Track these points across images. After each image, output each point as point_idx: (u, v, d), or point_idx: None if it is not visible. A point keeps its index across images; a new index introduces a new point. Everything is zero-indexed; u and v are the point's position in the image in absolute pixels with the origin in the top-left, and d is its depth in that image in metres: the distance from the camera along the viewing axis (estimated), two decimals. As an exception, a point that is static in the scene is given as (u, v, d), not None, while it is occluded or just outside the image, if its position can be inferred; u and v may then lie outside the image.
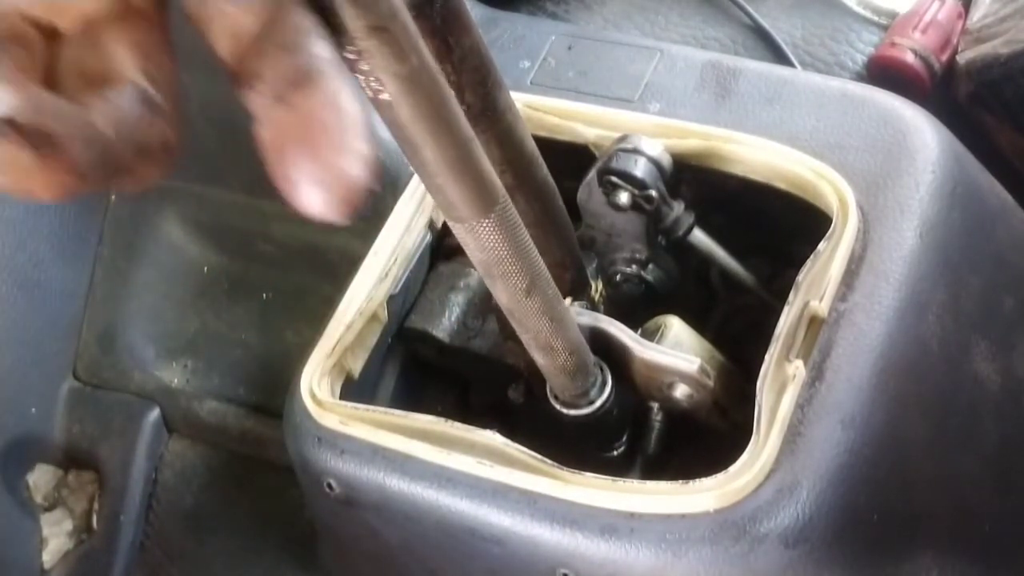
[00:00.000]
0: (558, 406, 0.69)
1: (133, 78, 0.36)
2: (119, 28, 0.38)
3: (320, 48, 0.35)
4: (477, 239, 0.50)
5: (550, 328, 0.60)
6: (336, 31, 0.37)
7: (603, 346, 0.70)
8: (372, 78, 0.38)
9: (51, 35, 0.37)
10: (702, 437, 0.74)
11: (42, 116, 0.32)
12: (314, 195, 0.34)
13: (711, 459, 0.65)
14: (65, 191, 0.34)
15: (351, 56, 0.37)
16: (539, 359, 0.63)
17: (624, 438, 0.74)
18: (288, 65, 0.35)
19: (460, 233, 0.50)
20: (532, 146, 0.62)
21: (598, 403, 0.68)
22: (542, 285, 0.56)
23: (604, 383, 0.69)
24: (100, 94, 0.35)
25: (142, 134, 0.35)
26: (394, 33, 0.38)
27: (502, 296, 0.57)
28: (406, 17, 0.39)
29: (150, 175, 0.36)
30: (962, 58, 0.97)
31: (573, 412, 0.69)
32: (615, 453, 0.75)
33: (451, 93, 0.42)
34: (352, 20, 0.37)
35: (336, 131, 0.34)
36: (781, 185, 0.75)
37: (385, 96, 0.39)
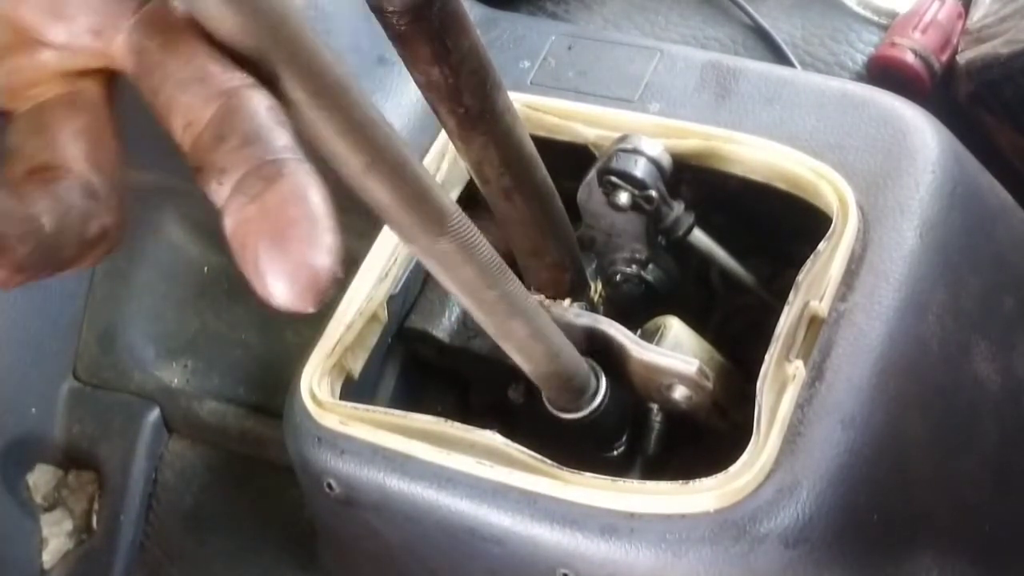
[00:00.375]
0: (553, 410, 0.69)
1: (79, 170, 0.36)
2: (67, 112, 0.37)
3: (282, 137, 0.35)
4: (437, 263, 0.47)
5: (532, 341, 0.58)
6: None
7: (602, 347, 0.70)
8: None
9: None
10: (702, 437, 0.74)
11: None
12: (281, 287, 0.34)
13: (711, 459, 0.65)
14: (1, 285, 0.34)
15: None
16: (527, 369, 0.62)
17: (624, 438, 0.74)
18: (250, 157, 0.34)
19: (420, 258, 0.47)
20: (531, 147, 0.62)
21: (591, 407, 0.68)
22: (516, 301, 0.53)
23: (598, 386, 0.69)
24: (45, 188, 0.35)
25: (84, 227, 0.35)
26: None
27: (476, 314, 0.54)
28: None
29: (88, 263, 0.36)
30: (962, 58, 0.97)
31: (567, 416, 0.69)
32: (615, 453, 0.75)
33: (369, 102, 0.39)
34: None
35: (303, 224, 0.33)
36: (781, 185, 0.75)
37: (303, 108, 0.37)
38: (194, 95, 0.35)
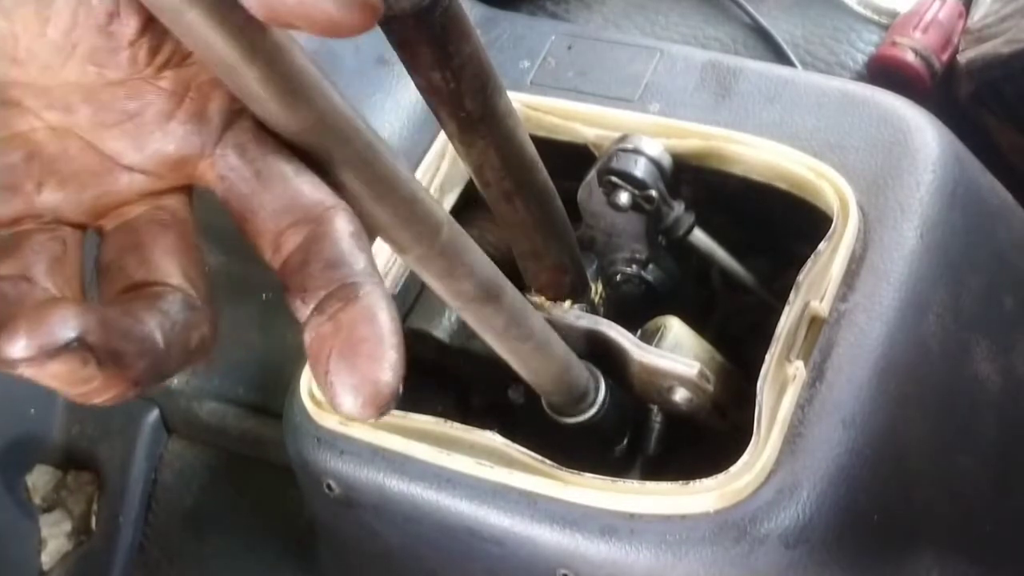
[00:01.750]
0: (553, 415, 0.69)
1: (177, 284, 0.38)
2: (157, 230, 0.39)
3: (361, 261, 0.38)
4: (431, 272, 0.47)
5: (529, 346, 0.58)
6: None
7: (602, 349, 0.70)
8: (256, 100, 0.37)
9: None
10: (702, 438, 0.74)
11: (110, 335, 0.34)
12: (348, 398, 0.36)
13: (711, 460, 0.65)
14: (118, 399, 0.35)
15: (230, 84, 0.36)
16: (525, 377, 0.62)
17: (625, 439, 0.74)
18: (331, 280, 0.37)
19: (415, 269, 0.47)
20: (532, 150, 0.62)
21: (593, 410, 0.68)
22: (513, 304, 0.53)
23: (597, 390, 0.68)
24: (152, 304, 0.37)
25: (187, 339, 0.37)
26: None
27: (472, 323, 0.53)
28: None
29: (188, 369, 0.39)
30: (963, 57, 0.97)
31: (568, 420, 0.69)
32: (615, 453, 0.74)
33: (366, 125, 0.40)
34: None
35: (372, 343, 0.36)
36: (781, 185, 0.75)
37: (278, 124, 0.38)
38: (282, 223, 0.38)
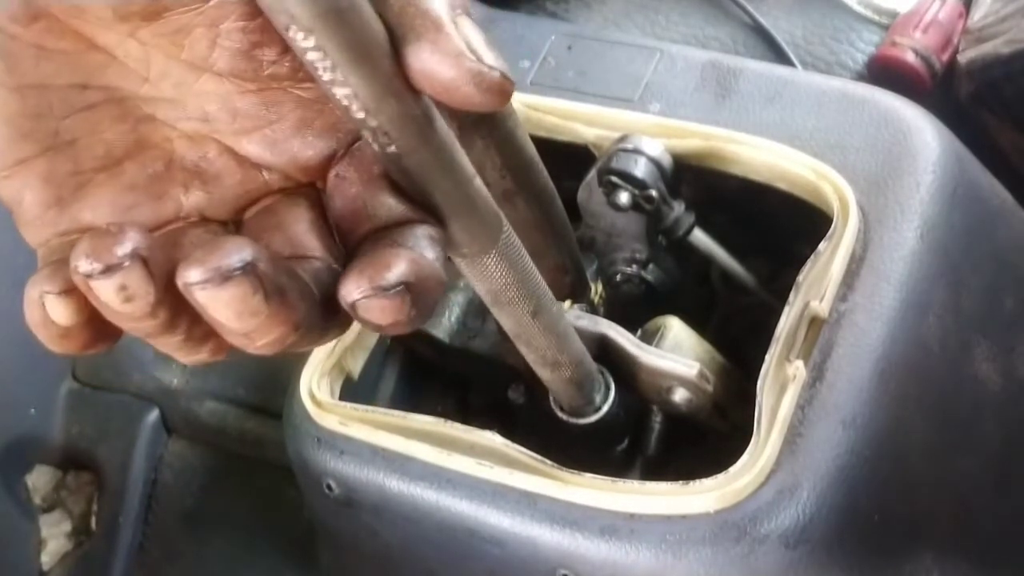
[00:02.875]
0: (564, 416, 0.69)
1: (322, 256, 0.40)
2: (296, 211, 0.42)
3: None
4: (483, 272, 0.50)
5: (556, 345, 0.60)
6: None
7: (602, 350, 0.70)
8: (381, 132, 0.39)
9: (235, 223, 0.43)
10: (703, 437, 0.74)
11: (276, 270, 0.36)
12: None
13: (712, 459, 0.65)
14: (279, 343, 0.38)
15: (359, 116, 0.38)
16: (544, 375, 0.63)
17: (626, 439, 0.74)
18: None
19: (465, 268, 0.50)
20: (532, 151, 0.62)
21: (604, 410, 0.68)
22: (546, 304, 0.56)
23: (608, 389, 0.69)
24: (303, 264, 0.40)
25: (336, 301, 0.39)
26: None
27: (508, 321, 0.56)
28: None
29: (325, 341, 0.41)
30: (963, 58, 0.97)
31: (581, 421, 0.69)
32: (616, 452, 0.74)
33: (452, 135, 0.42)
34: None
35: None
36: (782, 185, 0.75)
37: (393, 149, 0.40)
38: (374, 224, 0.41)
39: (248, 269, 0.35)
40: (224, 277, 0.35)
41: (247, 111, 0.40)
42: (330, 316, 0.39)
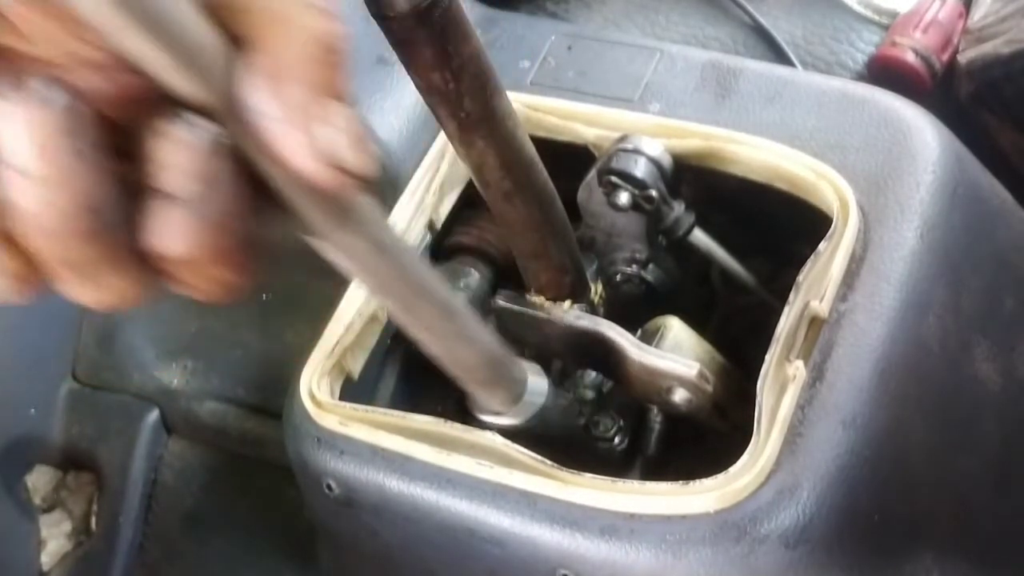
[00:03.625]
0: (481, 416, 0.68)
1: None
2: None
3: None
4: (338, 255, 0.46)
5: (442, 345, 0.57)
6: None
7: (601, 350, 0.70)
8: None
9: None
10: (703, 437, 0.75)
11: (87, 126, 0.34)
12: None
13: (712, 459, 0.65)
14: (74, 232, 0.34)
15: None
16: (452, 371, 0.60)
17: (620, 434, 0.74)
18: None
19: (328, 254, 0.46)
20: (531, 151, 0.62)
21: (527, 415, 0.67)
22: (425, 300, 0.52)
23: (537, 391, 0.67)
24: None
25: None
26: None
27: (393, 312, 0.53)
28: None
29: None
30: (963, 58, 0.97)
31: (496, 421, 0.68)
32: (616, 453, 0.74)
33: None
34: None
35: None
36: (781, 186, 0.75)
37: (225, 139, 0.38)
38: None
39: (67, 103, 0.32)
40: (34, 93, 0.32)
41: None
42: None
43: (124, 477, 1.07)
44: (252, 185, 0.38)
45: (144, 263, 0.36)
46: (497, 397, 0.66)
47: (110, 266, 0.35)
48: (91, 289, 0.35)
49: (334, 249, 0.45)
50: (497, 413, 0.68)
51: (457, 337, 0.56)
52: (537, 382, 0.68)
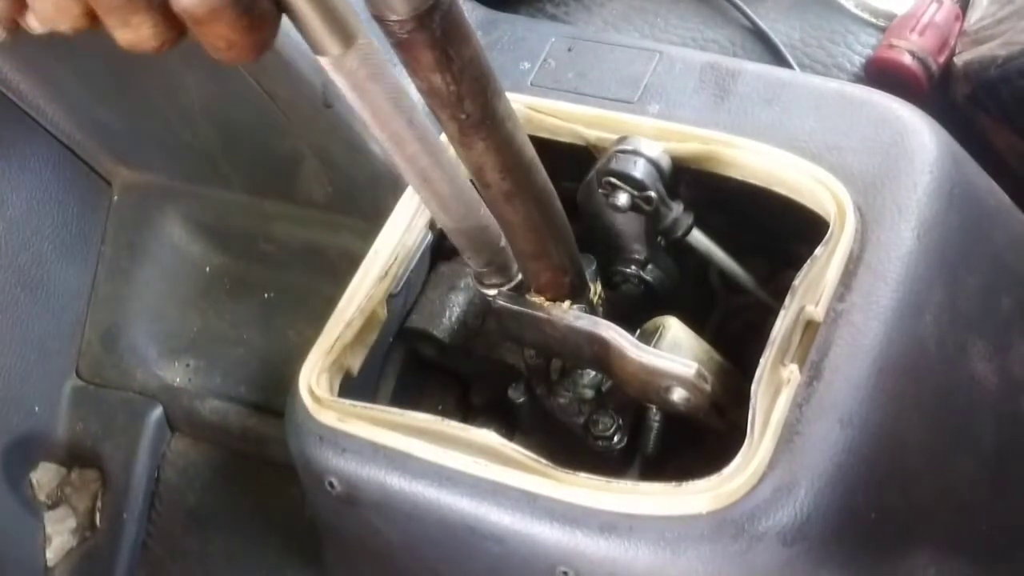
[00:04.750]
0: (482, 289, 0.71)
1: None
2: None
3: None
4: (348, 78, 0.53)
5: (445, 185, 0.62)
6: None
7: (601, 349, 0.70)
8: None
9: None
10: (701, 436, 0.75)
11: None
12: None
13: (711, 457, 0.65)
14: None
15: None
16: (445, 224, 0.66)
17: (619, 432, 0.74)
18: None
19: (336, 77, 0.53)
20: (531, 152, 0.62)
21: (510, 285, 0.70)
22: (427, 137, 0.59)
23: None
24: None
25: None
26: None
27: (393, 154, 0.59)
28: None
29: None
30: (959, 60, 0.97)
31: (489, 292, 0.70)
32: (613, 443, 0.75)
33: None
34: None
35: None
36: (780, 190, 0.75)
37: None
38: None
39: None
40: None
41: None
42: None
43: (128, 474, 1.07)
44: None
45: (168, 14, 0.46)
46: (482, 259, 0.69)
47: (141, 13, 0.46)
48: (129, 31, 0.46)
49: (336, 71, 0.52)
50: (488, 283, 0.71)
51: (443, 180, 0.62)
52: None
